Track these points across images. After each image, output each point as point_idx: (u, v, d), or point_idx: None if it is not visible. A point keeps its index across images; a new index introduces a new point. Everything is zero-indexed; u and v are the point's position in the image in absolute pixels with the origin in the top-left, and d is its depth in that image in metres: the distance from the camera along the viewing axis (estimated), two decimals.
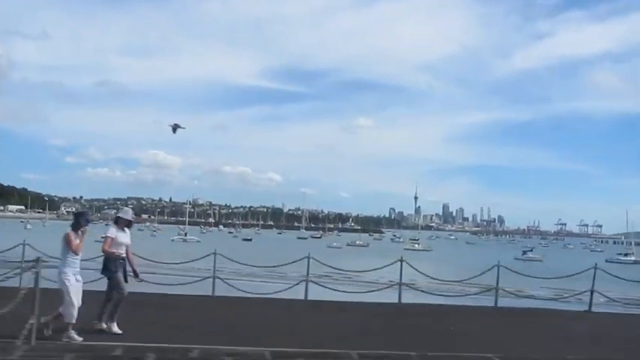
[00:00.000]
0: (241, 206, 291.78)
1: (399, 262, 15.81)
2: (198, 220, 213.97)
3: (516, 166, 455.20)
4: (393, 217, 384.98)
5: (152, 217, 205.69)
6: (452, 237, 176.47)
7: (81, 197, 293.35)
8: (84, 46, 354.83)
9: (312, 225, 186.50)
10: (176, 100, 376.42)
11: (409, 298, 16.22)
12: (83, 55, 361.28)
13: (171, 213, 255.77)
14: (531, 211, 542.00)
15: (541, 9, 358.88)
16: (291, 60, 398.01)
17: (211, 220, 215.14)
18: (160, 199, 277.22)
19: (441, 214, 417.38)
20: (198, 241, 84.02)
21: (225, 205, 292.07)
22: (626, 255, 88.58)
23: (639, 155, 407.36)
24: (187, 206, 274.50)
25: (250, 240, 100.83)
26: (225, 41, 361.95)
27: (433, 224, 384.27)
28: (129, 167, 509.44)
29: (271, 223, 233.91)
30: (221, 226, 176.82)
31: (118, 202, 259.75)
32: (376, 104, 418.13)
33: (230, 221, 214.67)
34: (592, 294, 16.33)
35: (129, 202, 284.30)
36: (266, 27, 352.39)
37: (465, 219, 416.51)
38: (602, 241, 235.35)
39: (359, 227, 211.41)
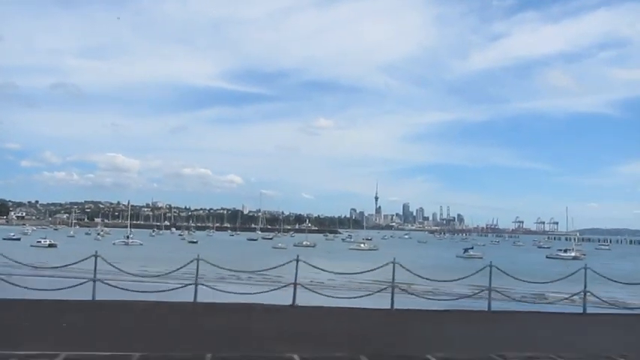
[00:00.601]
0: (201, 208, 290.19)
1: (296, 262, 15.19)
2: (153, 223, 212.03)
3: (475, 165, 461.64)
4: (354, 218, 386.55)
5: (106, 220, 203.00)
6: (406, 236, 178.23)
7: (37, 202, 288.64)
8: (38, 48, 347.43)
9: (269, 227, 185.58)
10: (134, 102, 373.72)
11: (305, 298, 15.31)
12: (37, 57, 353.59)
13: (129, 216, 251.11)
14: (490, 210, 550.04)
15: (497, 10, 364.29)
16: (252, 61, 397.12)
17: (166, 222, 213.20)
18: (119, 203, 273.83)
19: (401, 213, 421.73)
20: (141, 244, 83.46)
21: (185, 207, 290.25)
22: (565, 251, 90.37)
23: (594, 153, 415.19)
24: (146, 209, 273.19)
25: (196, 242, 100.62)
26: (183, 43, 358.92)
27: (394, 224, 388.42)
28: (87, 171, 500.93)
29: (227, 225, 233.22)
30: (173, 229, 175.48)
31: (75, 207, 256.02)
32: (336, 105, 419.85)
33: (185, 224, 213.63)
34: (490, 293, 15.80)
35: (86, 206, 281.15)
36: (225, 28, 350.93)
37: (425, 218, 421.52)
38: (555, 238, 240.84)
39: (316, 228, 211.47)
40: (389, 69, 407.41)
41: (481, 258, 79.09)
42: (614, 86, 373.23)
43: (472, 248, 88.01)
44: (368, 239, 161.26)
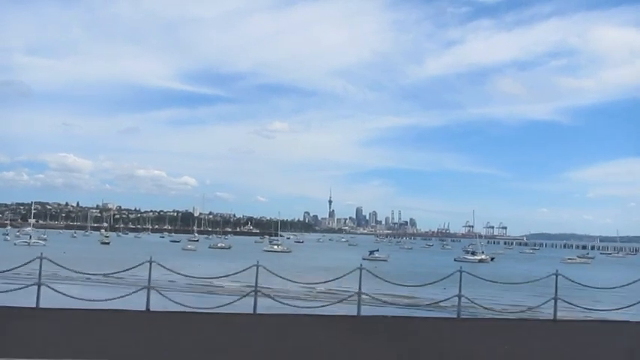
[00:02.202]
0: (151, 210, 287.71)
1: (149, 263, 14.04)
2: (98, 225, 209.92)
3: (430, 169, 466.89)
4: (307, 221, 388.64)
5: (41, 221, 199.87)
6: (343, 239, 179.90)
7: None
8: None
9: (209, 229, 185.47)
10: (86, 101, 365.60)
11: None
12: None
13: (77, 218, 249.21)
14: (443, 214, 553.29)
15: (452, 17, 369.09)
16: (206, 62, 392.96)
17: (105, 224, 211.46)
18: (67, 204, 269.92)
19: (354, 217, 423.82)
20: (43, 244, 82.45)
21: (135, 209, 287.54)
22: (473, 254, 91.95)
23: (545, 159, 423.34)
24: (95, 211, 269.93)
25: (108, 243, 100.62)
26: (136, 43, 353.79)
27: (346, 227, 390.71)
28: (36, 171, 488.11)
29: (168, 227, 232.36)
30: (102, 230, 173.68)
31: (21, 207, 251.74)
32: (292, 108, 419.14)
33: (121, 226, 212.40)
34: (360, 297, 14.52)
35: (33, 207, 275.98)
36: (179, 29, 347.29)
37: (378, 222, 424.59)
38: (494, 242, 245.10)
39: (257, 231, 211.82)
40: (345, 73, 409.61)
41: (386, 260, 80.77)
42: (564, 94, 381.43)
43: (377, 250, 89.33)
44: (299, 241, 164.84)
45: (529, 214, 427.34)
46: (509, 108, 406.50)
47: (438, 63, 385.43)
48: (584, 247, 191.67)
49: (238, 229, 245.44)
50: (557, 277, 14.40)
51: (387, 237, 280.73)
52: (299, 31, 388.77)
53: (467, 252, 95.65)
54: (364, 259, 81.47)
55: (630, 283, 15.37)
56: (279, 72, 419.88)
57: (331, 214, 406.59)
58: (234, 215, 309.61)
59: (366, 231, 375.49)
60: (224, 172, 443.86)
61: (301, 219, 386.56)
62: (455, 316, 14.37)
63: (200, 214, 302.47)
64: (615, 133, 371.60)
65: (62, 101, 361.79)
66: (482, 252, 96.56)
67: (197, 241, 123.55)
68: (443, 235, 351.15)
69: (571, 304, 15.44)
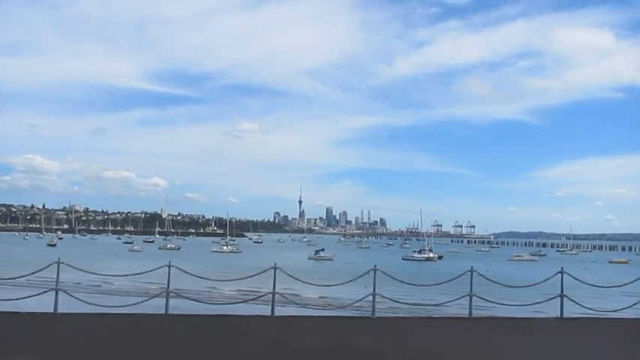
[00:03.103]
0: (118, 212, 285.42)
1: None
2: (58, 227, 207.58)
3: (400, 169, 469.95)
4: (277, 222, 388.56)
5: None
6: (305, 239, 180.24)
7: None
8: None
9: (172, 230, 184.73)
10: (53, 101, 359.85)
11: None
12: None
13: (43, 220, 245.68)
14: (413, 213, 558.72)
15: (421, 17, 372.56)
16: (176, 62, 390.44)
17: (65, 226, 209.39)
18: (32, 206, 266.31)
19: (324, 217, 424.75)
20: None
21: (102, 211, 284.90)
22: (420, 252, 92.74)
23: (513, 159, 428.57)
24: (61, 213, 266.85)
25: (54, 245, 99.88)
26: (104, 42, 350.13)
27: (316, 227, 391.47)
28: (2, 173, 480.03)
29: (131, 228, 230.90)
30: (58, 232, 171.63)
31: None
32: (261, 108, 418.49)
33: (81, 227, 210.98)
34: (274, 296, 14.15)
35: None
36: (149, 28, 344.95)
37: (348, 222, 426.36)
38: (459, 241, 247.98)
39: (220, 231, 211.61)
40: (315, 73, 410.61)
41: (331, 260, 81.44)
42: (530, 94, 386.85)
43: (323, 250, 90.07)
44: (258, 242, 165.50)
45: (498, 213, 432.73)
46: (477, 108, 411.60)
47: (407, 63, 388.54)
48: (544, 245, 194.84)
49: (202, 230, 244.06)
50: (472, 274, 14.77)
51: (353, 237, 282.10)
52: (269, 31, 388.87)
53: (415, 251, 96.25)
54: (309, 258, 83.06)
55: (545, 280, 15.60)
56: (249, 72, 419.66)
57: (301, 214, 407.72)
58: (203, 216, 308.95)
59: (335, 231, 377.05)
60: (194, 173, 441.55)
61: (272, 219, 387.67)
62: (370, 314, 14.37)
63: (168, 215, 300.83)
64: (581, 132, 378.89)
65: (28, 101, 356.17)
66: (431, 250, 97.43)
67: (152, 242, 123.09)
68: (412, 235, 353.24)
69: (486, 299, 15.75)
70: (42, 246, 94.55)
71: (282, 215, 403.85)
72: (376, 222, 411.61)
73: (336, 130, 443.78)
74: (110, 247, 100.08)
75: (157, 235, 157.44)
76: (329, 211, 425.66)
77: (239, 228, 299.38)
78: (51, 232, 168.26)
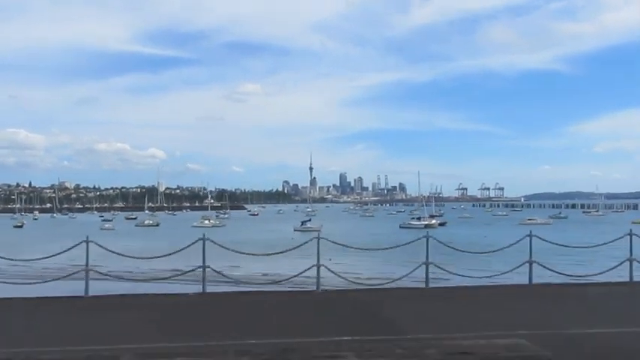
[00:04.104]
0: (112, 188, 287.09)
1: None
2: (42, 206, 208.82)
3: (420, 129, 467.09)
4: (286, 191, 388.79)
5: None
6: (308, 209, 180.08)
7: None
8: None
9: (165, 205, 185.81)
10: (36, 70, 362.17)
11: None
12: None
13: (30, 200, 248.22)
14: (435, 177, 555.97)
15: None
16: (169, 21, 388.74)
17: (49, 205, 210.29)
18: (18, 185, 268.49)
19: (338, 184, 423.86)
20: None
21: (95, 187, 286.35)
22: (419, 219, 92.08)
23: (545, 113, 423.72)
24: (48, 191, 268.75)
25: (21, 226, 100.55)
26: (91, 3, 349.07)
27: (329, 196, 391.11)
28: None
29: (120, 204, 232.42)
30: (35, 212, 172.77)
31: None
32: (264, 68, 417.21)
33: (66, 206, 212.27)
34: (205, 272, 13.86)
35: None
36: None
37: (364, 189, 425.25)
38: (492, 205, 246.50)
39: (218, 204, 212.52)
40: (323, 27, 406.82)
41: (318, 231, 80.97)
42: (563, 40, 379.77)
43: (310, 220, 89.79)
44: (254, 214, 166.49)
45: (530, 174, 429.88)
46: (503, 58, 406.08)
47: (424, 11, 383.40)
48: (573, 207, 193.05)
49: (198, 204, 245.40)
50: (427, 240, 14.41)
51: (367, 204, 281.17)
52: None
53: (414, 218, 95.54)
54: (295, 230, 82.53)
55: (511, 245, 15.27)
56: (250, 29, 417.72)
57: (313, 182, 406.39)
58: (205, 188, 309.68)
59: (350, 199, 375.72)
60: (194, 142, 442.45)
61: (280, 189, 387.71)
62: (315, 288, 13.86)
63: (166, 189, 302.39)
64: (620, 81, 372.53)
65: (8, 71, 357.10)
66: (434, 217, 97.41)
67: (135, 219, 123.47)
68: (435, 200, 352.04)
69: (443, 269, 15.27)
70: (8, 228, 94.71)
71: (291, 184, 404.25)
72: (395, 188, 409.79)
73: (347, 89, 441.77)
74: (86, 226, 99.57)
75: (147, 211, 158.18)
76: (343, 177, 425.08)
77: (244, 199, 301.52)
78: (31, 213, 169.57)
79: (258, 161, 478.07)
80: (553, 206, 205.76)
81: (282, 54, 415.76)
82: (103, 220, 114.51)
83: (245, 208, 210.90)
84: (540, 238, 15.14)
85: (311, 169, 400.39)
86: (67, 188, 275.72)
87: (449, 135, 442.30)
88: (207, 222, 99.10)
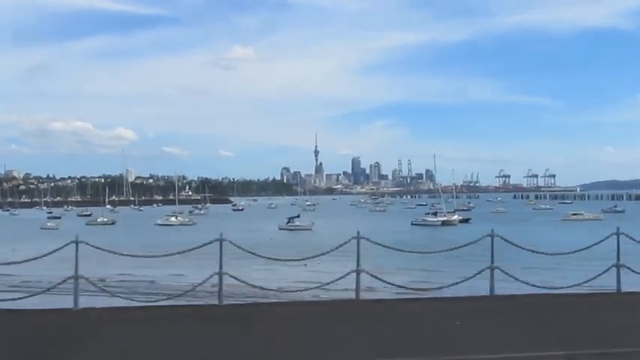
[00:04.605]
0: (70, 177, 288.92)
1: None
2: None
3: (452, 102, 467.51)
4: (286, 180, 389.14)
5: None
6: (307, 203, 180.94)
7: None
8: None
9: (132, 198, 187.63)
10: None
11: None
12: None
13: None
14: (471, 162, 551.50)
15: None
16: None
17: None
18: None
19: (350, 172, 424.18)
20: None
21: (49, 176, 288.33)
22: (435, 215, 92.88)
23: (606, 81, 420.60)
24: None
25: None
26: None
27: (339, 186, 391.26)
28: None
29: (77, 198, 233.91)
30: None
31: None
32: (258, 28, 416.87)
33: (11, 200, 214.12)
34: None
35: None
36: None
37: (383, 177, 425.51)
38: (538, 197, 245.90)
39: (198, 197, 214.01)
40: None
41: (309, 230, 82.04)
42: None
43: (298, 217, 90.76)
44: (238, 209, 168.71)
45: (587, 157, 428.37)
46: (555, 13, 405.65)
47: None
48: (637, 198, 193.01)
49: (172, 197, 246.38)
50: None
51: (384, 196, 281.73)
52: None
53: (429, 213, 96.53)
54: (280, 228, 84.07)
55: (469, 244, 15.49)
56: None
57: (319, 169, 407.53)
58: (184, 178, 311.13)
59: (365, 189, 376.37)
60: (172, 119, 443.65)
61: (279, 178, 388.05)
62: None
63: (136, 178, 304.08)
64: None
65: None
66: (458, 211, 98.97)
67: (89, 215, 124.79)
68: (469, 190, 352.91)
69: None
70: None
71: (292, 172, 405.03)
72: (420, 175, 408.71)
73: (361, 53, 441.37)
74: (27, 224, 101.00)
75: (107, 206, 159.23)
76: (356, 163, 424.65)
77: (232, 191, 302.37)
78: None
79: (252, 143, 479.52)
80: (613, 197, 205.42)
81: (280, 9, 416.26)
82: (49, 217, 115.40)
83: (231, 202, 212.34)
84: (504, 238, 15.14)
85: (316, 153, 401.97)
86: (14, 178, 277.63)
87: (487, 109, 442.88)
88: (173, 219, 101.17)
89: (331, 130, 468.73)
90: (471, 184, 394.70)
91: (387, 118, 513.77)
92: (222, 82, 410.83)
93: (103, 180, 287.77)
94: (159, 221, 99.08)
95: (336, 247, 14.35)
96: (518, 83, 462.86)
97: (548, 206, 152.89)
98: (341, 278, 14.63)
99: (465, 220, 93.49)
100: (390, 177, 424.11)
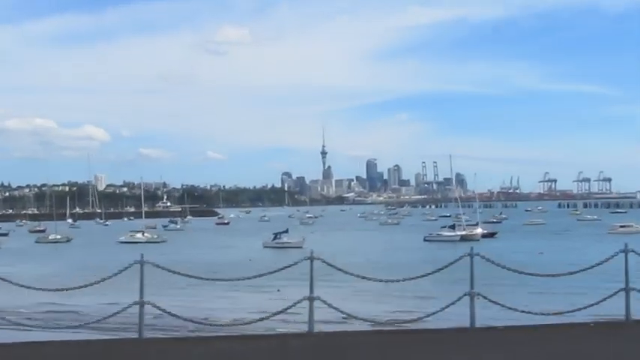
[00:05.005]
0: (28, 185, 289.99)
1: None
2: None
3: (487, 92, 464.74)
4: (287, 187, 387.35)
5: None
6: (308, 215, 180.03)
7: None
8: None
9: (97, 210, 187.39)
10: None
11: None
12: None
13: None
14: (511, 163, 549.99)
15: None
16: None
17: None
18: None
19: (364, 177, 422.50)
20: None
21: (2, 184, 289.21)
22: (453, 228, 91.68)
23: None
24: None
25: None
26: None
27: (351, 194, 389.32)
28: None
29: (34, 211, 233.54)
30: None
31: None
32: (253, 5, 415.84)
33: None
34: None
35: None
36: None
37: (404, 182, 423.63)
38: (587, 205, 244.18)
39: (178, 208, 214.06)
40: None
41: (300, 247, 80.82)
42: None
43: (287, 232, 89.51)
44: (224, 223, 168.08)
45: None
46: None
47: None
48: None
49: (149, 209, 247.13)
50: None
51: (403, 206, 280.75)
52: None
53: (445, 227, 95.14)
54: (265, 246, 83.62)
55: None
56: None
57: (326, 173, 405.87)
58: (165, 185, 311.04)
59: (382, 198, 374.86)
60: (151, 115, 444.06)
61: (278, 185, 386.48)
62: None
63: (108, 186, 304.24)
64: None
65: None
66: (477, 224, 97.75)
67: (44, 231, 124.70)
68: (507, 198, 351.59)
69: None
70: None
71: (294, 177, 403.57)
72: (448, 181, 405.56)
73: (378, 34, 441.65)
74: None
75: (69, 220, 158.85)
76: (371, 166, 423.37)
77: (223, 201, 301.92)
78: None
79: (246, 144, 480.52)
80: None
81: None
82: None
83: (217, 214, 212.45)
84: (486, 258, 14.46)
85: (324, 154, 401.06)
86: None
87: (529, 100, 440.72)
88: (139, 236, 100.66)
89: (342, 127, 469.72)
90: (510, 191, 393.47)
91: (408, 112, 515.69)
92: (211, 69, 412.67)
93: (67, 188, 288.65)
94: (122, 238, 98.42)
95: (278, 270, 14.38)
96: (566, 69, 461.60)
97: (595, 217, 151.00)
98: (289, 307, 14.45)
99: (491, 235, 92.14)
100: (412, 182, 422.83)
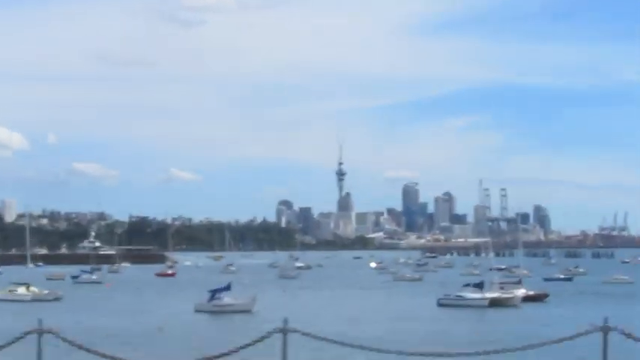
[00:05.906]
0: None
1: None
2: None
3: (579, 86, 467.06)
4: (287, 222, 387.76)
5: None
6: (297, 261, 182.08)
7: None
8: None
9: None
10: None
11: None
12: None
13: None
14: (615, 190, 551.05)
15: None
16: None
17: None
18: None
19: (400, 209, 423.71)
20: None
21: None
22: (480, 287, 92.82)
23: None
24: None
25: None
26: None
27: (379, 234, 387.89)
28: None
29: None
30: None
31: None
32: None
33: None
34: None
35: None
36: None
37: (458, 218, 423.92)
38: None
39: (111, 251, 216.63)
40: None
41: (248, 311, 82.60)
42: None
43: (228, 289, 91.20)
44: (167, 272, 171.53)
45: None
46: None
47: None
48: None
49: (66, 251, 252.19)
50: None
51: (451, 254, 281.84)
52: None
53: (470, 285, 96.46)
54: (197, 310, 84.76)
55: None
56: None
57: (344, 203, 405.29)
58: (104, 216, 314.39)
59: (424, 240, 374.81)
60: (92, 114, 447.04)
61: (272, 218, 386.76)
62: None
63: (20, 216, 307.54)
64: None
65: None
66: (520, 281, 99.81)
67: None
68: (605, 241, 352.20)
69: None
70: None
71: (296, 209, 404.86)
72: (525, 217, 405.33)
73: (407, 11, 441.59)
74: None
75: None
76: (410, 193, 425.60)
77: (189, 241, 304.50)
78: None
79: (227, 158, 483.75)
80: None
81: None
82: None
83: (165, 259, 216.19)
84: None
85: (341, 175, 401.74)
86: None
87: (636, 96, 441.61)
88: (22, 291, 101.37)
89: (367, 135, 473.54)
90: (614, 233, 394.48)
91: (465, 115, 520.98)
92: (178, 48, 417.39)
93: None
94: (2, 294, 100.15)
95: None
96: None
97: None
98: None
99: (540, 298, 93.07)
100: (470, 219, 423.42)
